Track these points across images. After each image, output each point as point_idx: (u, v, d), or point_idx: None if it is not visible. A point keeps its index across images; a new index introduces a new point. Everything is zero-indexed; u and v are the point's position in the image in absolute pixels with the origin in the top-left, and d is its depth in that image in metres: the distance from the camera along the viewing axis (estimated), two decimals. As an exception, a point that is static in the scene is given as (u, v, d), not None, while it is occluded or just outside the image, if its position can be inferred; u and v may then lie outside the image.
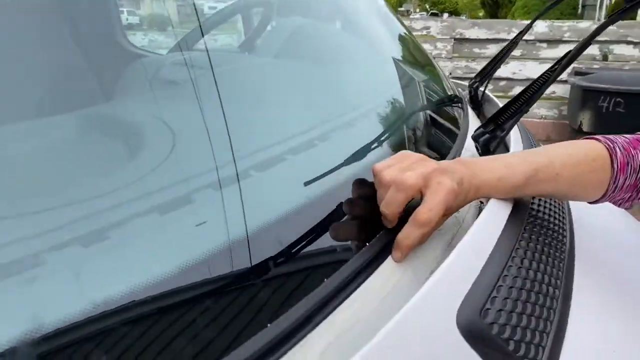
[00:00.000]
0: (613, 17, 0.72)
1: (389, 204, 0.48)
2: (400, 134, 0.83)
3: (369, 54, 1.06)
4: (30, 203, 0.42)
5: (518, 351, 0.39)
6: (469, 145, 0.84)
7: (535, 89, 0.74)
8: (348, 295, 0.41)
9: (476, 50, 4.76)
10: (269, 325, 0.36)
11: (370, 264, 0.46)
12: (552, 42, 4.59)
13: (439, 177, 0.48)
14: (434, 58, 2.48)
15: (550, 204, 0.63)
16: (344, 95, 0.87)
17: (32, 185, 0.44)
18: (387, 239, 0.49)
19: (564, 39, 4.53)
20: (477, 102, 1.27)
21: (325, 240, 0.48)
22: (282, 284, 0.43)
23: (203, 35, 0.93)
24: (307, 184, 0.54)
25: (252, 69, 0.89)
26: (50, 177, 0.46)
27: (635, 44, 4.51)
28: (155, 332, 0.35)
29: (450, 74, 4.61)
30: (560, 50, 4.52)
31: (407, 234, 0.47)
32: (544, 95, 0.78)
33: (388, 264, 0.47)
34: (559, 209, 0.65)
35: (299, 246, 0.46)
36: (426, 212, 0.46)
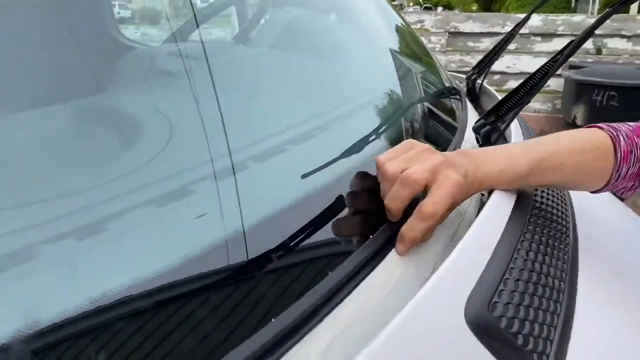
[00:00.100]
0: (615, 6, 0.71)
1: (394, 199, 0.47)
2: (399, 125, 0.82)
3: (366, 46, 1.05)
4: (26, 195, 0.40)
5: (527, 345, 0.38)
6: (469, 137, 0.83)
7: (536, 80, 0.73)
8: (352, 289, 0.40)
9: (470, 44, 4.75)
10: (273, 320, 0.34)
11: (374, 257, 0.45)
12: (547, 35, 4.59)
13: (445, 171, 0.47)
14: (429, 51, 2.46)
15: (553, 195, 0.63)
16: (342, 87, 0.85)
17: (27, 176, 0.43)
18: (391, 231, 0.48)
19: (558, 32, 4.54)
20: (475, 95, 1.27)
21: (328, 233, 0.47)
22: (285, 278, 0.42)
23: (198, 26, 0.91)
24: (308, 175, 0.53)
25: (249, 60, 0.88)
26: (46, 169, 0.45)
27: (628, 37, 4.52)
28: (154, 328, 0.34)
29: (445, 67, 4.60)
30: (555, 44, 4.53)
31: (411, 227, 0.46)
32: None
33: (391, 257, 0.46)
34: (561, 200, 0.64)
35: (302, 239, 0.45)
36: (431, 205, 0.45)
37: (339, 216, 0.49)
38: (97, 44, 0.83)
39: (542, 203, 0.59)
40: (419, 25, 4.74)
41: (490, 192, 0.63)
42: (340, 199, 0.51)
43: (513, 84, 4.42)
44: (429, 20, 4.76)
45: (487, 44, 4.63)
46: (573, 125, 4.00)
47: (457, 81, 1.33)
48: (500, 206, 0.52)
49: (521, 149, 0.54)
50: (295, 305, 0.36)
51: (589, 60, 4.47)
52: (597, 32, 0.72)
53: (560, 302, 0.45)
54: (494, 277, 0.41)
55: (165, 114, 0.55)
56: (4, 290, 0.34)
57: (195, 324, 0.35)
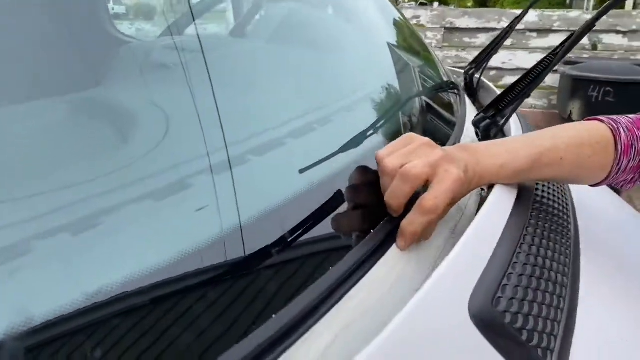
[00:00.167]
0: (616, -1, 0.71)
1: (394, 195, 0.46)
2: (397, 120, 0.81)
3: (364, 40, 1.04)
4: (21, 188, 0.39)
5: (531, 341, 0.37)
6: (468, 131, 0.83)
7: (536, 74, 0.72)
8: (353, 285, 0.39)
9: (466, 39, 4.75)
10: (273, 316, 0.34)
11: (375, 252, 0.44)
12: (542, 31, 4.60)
13: (445, 166, 0.46)
14: (426, 47, 2.46)
15: (554, 189, 0.62)
16: (340, 81, 0.85)
17: (22, 170, 0.42)
18: (391, 226, 0.47)
19: (554, 28, 4.54)
20: (473, 90, 1.26)
21: (328, 229, 0.46)
22: (285, 274, 0.41)
23: (194, 20, 0.90)
24: (307, 169, 0.52)
25: (245, 54, 0.87)
26: (42, 163, 0.44)
27: (624, 33, 4.53)
28: (151, 324, 0.33)
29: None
30: (550, 40, 4.53)
31: (412, 221, 0.45)
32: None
33: (392, 253, 0.45)
34: (562, 193, 0.64)
35: (302, 235, 0.44)
36: (432, 199, 0.44)
37: (339, 211, 0.49)
38: (92, 39, 0.82)
39: (543, 197, 0.58)
40: (415, 21, 4.73)
41: (490, 187, 0.62)
42: (340, 193, 0.50)
43: (509, 79, 4.43)
44: (425, 15, 4.76)
45: (483, 39, 4.63)
46: (569, 120, 4.00)
47: (454, 76, 1.32)
48: (502, 200, 0.51)
49: (521, 143, 0.53)
50: (296, 302, 0.35)
51: (585, 56, 4.48)
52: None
53: (564, 297, 0.45)
54: (497, 272, 0.41)
55: (163, 107, 0.54)
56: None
57: (194, 320, 0.34)
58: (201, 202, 0.43)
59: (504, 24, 4.39)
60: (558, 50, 0.70)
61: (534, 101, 4.64)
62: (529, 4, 1.37)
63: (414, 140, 0.49)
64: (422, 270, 0.46)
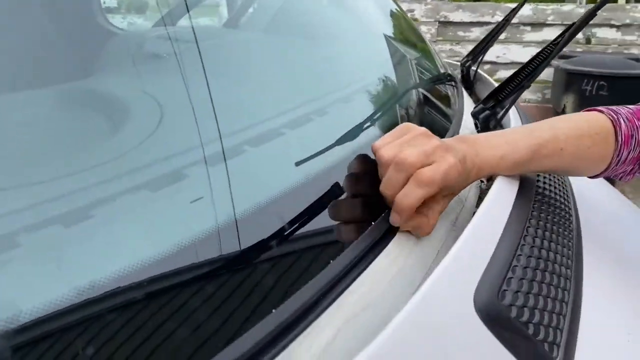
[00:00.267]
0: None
1: (390, 185, 0.44)
2: (394, 111, 0.80)
3: (360, 31, 1.03)
4: (11, 179, 0.38)
5: (537, 335, 0.36)
6: (466, 123, 0.82)
7: (536, 64, 0.71)
8: (355, 278, 0.38)
9: (460, 33, 4.74)
10: (273, 311, 0.32)
11: (375, 245, 0.43)
12: (536, 25, 4.59)
13: (441, 153, 0.44)
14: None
15: (554, 180, 0.61)
16: (337, 73, 0.83)
17: (13, 161, 0.40)
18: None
19: (548, 22, 4.53)
20: (469, 82, 1.25)
21: (329, 221, 0.45)
22: (285, 267, 0.40)
23: (188, 10, 0.88)
24: (304, 161, 0.51)
25: (239, 44, 0.86)
26: (33, 154, 0.42)
27: (617, 27, 4.53)
28: (148, 320, 0.32)
29: (436, 57, 4.58)
30: (545, 34, 4.52)
31: (407, 193, 0.42)
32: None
33: (393, 246, 0.44)
34: (562, 185, 0.63)
35: (302, 227, 0.43)
36: (429, 171, 0.42)
37: (336, 200, 0.47)
38: (84, 31, 0.80)
39: (544, 189, 0.57)
40: (409, 15, 4.71)
41: (489, 179, 0.61)
42: (338, 186, 0.49)
43: (503, 73, 4.42)
44: (419, 9, 4.73)
45: (477, 33, 4.62)
46: (562, 114, 4.01)
47: (451, 68, 1.31)
48: (504, 192, 0.50)
49: (521, 135, 0.52)
50: (297, 296, 0.34)
51: (578, 49, 4.48)
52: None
53: (568, 290, 0.44)
54: (502, 265, 0.40)
55: (156, 98, 0.53)
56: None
57: (192, 315, 0.33)
58: (196, 193, 0.42)
59: (498, 17, 4.38)
60: (558, 40, 0.69)
61: (527, 95, 4.63)
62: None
63: (410, 130, 0.48)
64: (424, 263, 0.45)
